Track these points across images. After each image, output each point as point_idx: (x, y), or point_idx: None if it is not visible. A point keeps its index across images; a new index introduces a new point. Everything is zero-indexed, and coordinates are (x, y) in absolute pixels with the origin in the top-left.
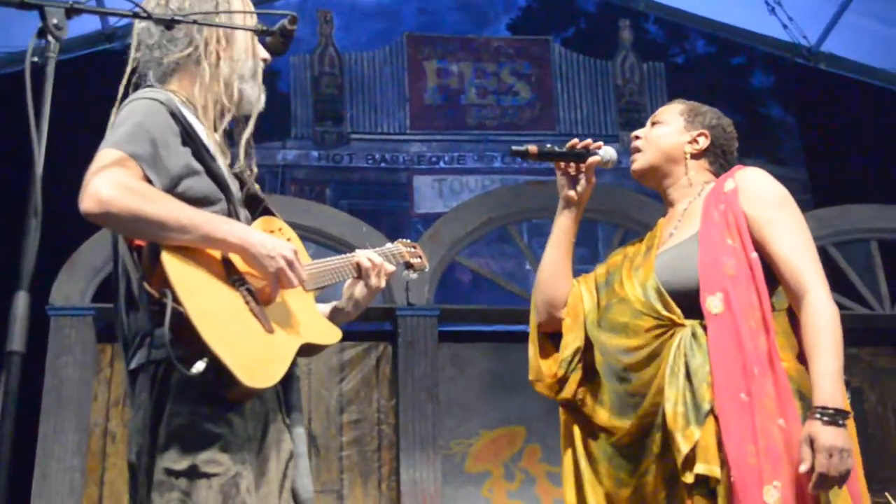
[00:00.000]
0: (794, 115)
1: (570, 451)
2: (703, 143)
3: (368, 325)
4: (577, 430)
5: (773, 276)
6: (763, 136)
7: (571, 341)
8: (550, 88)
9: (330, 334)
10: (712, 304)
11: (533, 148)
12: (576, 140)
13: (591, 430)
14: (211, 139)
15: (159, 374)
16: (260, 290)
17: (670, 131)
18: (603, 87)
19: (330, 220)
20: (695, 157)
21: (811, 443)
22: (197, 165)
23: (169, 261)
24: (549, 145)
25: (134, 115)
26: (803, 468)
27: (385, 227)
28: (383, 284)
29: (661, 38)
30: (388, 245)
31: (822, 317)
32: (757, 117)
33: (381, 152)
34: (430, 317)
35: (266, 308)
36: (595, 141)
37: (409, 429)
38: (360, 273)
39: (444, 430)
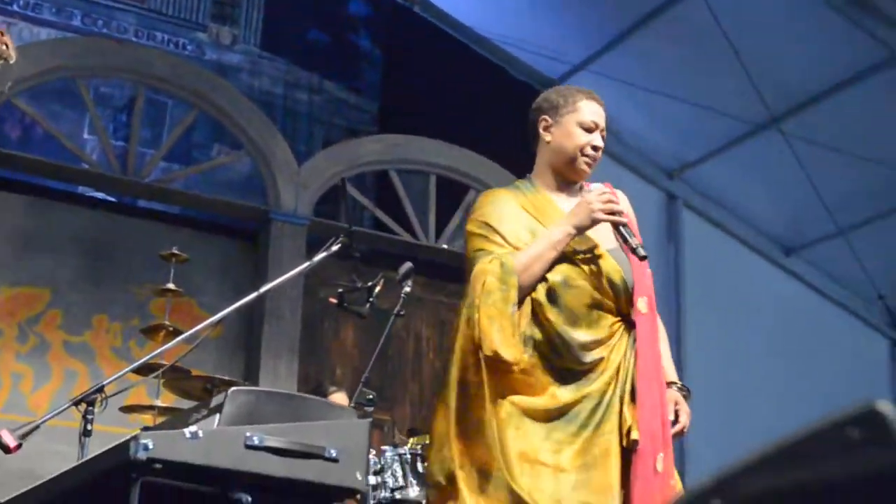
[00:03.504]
0: (381, 48)
1: (489, 407)
2: None
3: None
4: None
5: None
6: (347, 62)
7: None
8: None
9: None
10: (641, 304)
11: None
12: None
13: (514, 390)
14: None
15: None
16: None
17: None
18: None
19: None
20: None
21: None
22: None
23: None
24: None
25: None
26: None
27: None
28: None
29: None
30: None
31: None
32: (346, 44)
33: None
34: None
35: None
36: None
37: None
38: None
39: None
